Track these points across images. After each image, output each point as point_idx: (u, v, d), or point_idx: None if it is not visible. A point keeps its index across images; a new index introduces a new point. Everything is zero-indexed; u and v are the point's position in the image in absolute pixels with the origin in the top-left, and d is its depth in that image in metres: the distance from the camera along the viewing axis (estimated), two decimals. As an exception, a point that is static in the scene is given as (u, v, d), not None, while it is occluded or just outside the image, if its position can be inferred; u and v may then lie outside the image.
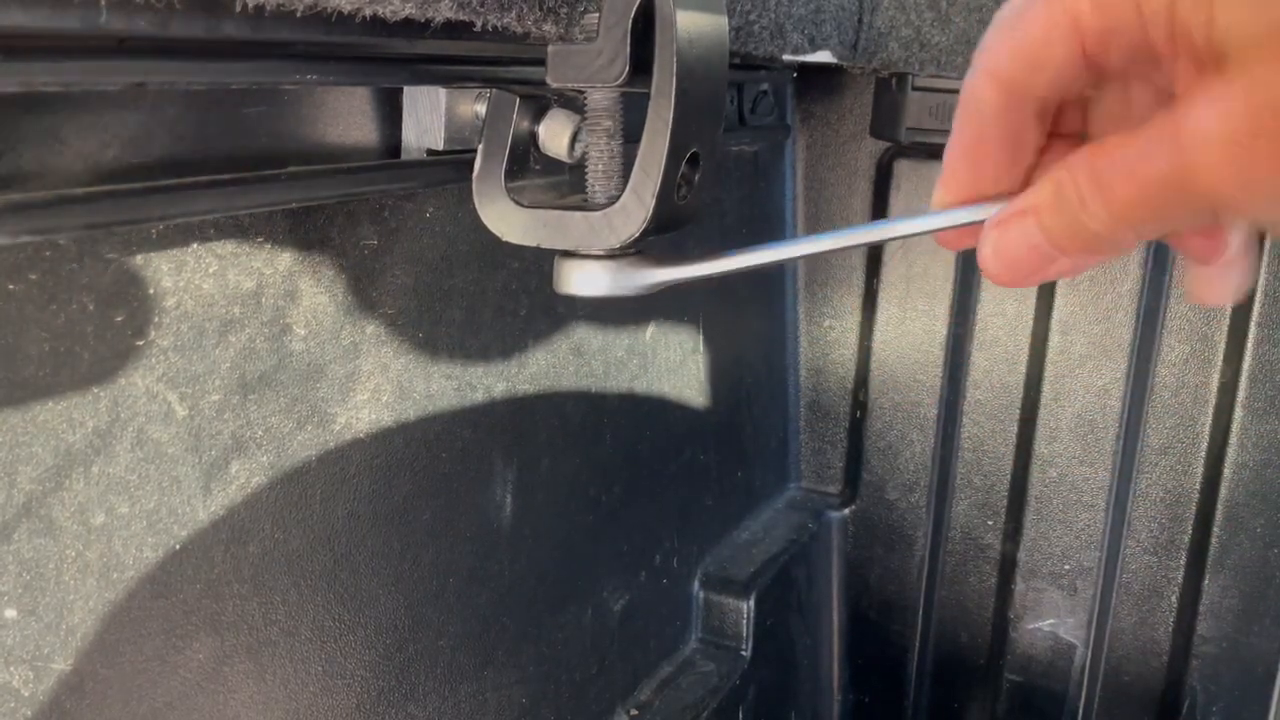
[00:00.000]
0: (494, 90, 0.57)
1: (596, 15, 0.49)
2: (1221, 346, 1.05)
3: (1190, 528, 1.09)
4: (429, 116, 0.58)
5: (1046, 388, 1.13)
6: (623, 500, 0.88)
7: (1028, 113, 0.35)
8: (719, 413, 1.05)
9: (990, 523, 1.18)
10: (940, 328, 1.16)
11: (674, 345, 0.95)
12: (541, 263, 0.72)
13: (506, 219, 0.54)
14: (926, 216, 0.39)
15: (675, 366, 0.95)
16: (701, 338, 1.00)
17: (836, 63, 0.95)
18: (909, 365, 1.18)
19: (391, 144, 0.59)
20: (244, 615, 0.54)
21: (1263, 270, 1.03)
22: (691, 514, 1.01)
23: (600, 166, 0.52)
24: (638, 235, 0.48)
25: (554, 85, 0.50)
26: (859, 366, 1.21)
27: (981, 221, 0.36)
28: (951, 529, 1.19)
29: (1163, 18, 0.30)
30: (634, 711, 0.92)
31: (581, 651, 0.85)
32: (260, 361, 0.53)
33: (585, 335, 0.80)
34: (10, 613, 0.44)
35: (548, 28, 0.51)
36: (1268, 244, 1.02)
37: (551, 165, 0.60)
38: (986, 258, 0.36)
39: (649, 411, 0.92)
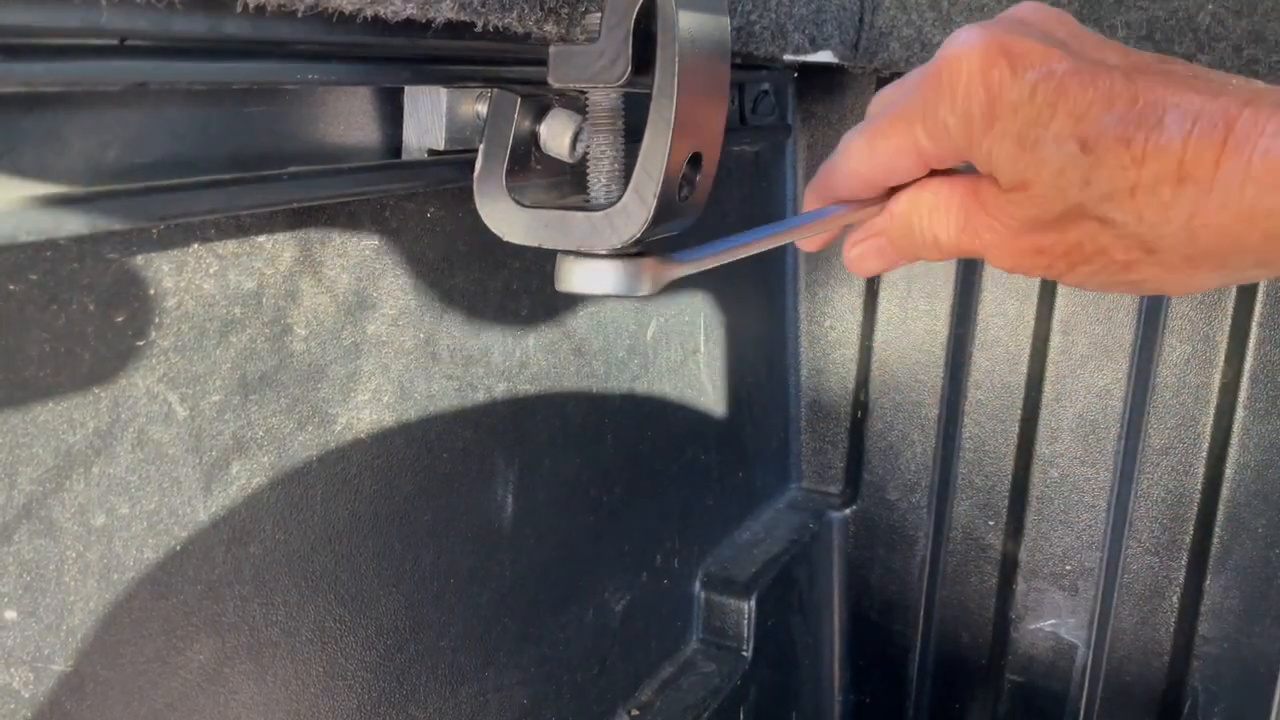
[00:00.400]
0: (495, 90, 0.56)
1: (598, 15, 0.49)
2: (1223, 347, 1.05)
3: (1192, 528, 1.09)
4: (430, 116, 0.58)
5: (1048, 388, 1.13)
6: (624, 500, 0.88)
7: (879, 193, 0.50)
8: (720, 413, 1.05)
9: (991, 523, 1.18)
10: (941, 328, 1.16)
11: (675, 345, 0.95)
12: (543, 263, 0.72)
13: (508, 219, 0.53)
14: (816, 215, 0.52)
15: (676, 367, 0.95)
16: (702, 338, 1.00)
17: (838, 62, 0.95)
18: (910, 365, 1.18)
19: (392, 144, 0.59)
20: (245, 616, 0.54)
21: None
22: (693, 514, 1.01)
23: (602, 166, 0.51)
24: (639, 235, 0.48)
25: (555, 85, 0.50)
26: (860, 366, 1.21)
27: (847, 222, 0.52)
28: (953, 529, 1.19)
29: (967, 151, 0.44)
30: (635, 712, 0.92)
31: (583, 652, 0.85)
32: (261, 362, 0.53)
33: (587, 335, 0.80)
34: (10, 614, 0.43)
35: (549, 28, 0.50)
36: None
37: (553, 165, 0.60)
38: (849, 260, 0.54)
39: (650, 412, 0.92)
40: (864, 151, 0.48)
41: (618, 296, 0.50)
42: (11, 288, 0.41)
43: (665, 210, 0.48)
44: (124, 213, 0.42)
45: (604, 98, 0.51)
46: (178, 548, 0.50)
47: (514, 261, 0.70)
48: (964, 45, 0.41)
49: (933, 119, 0.43)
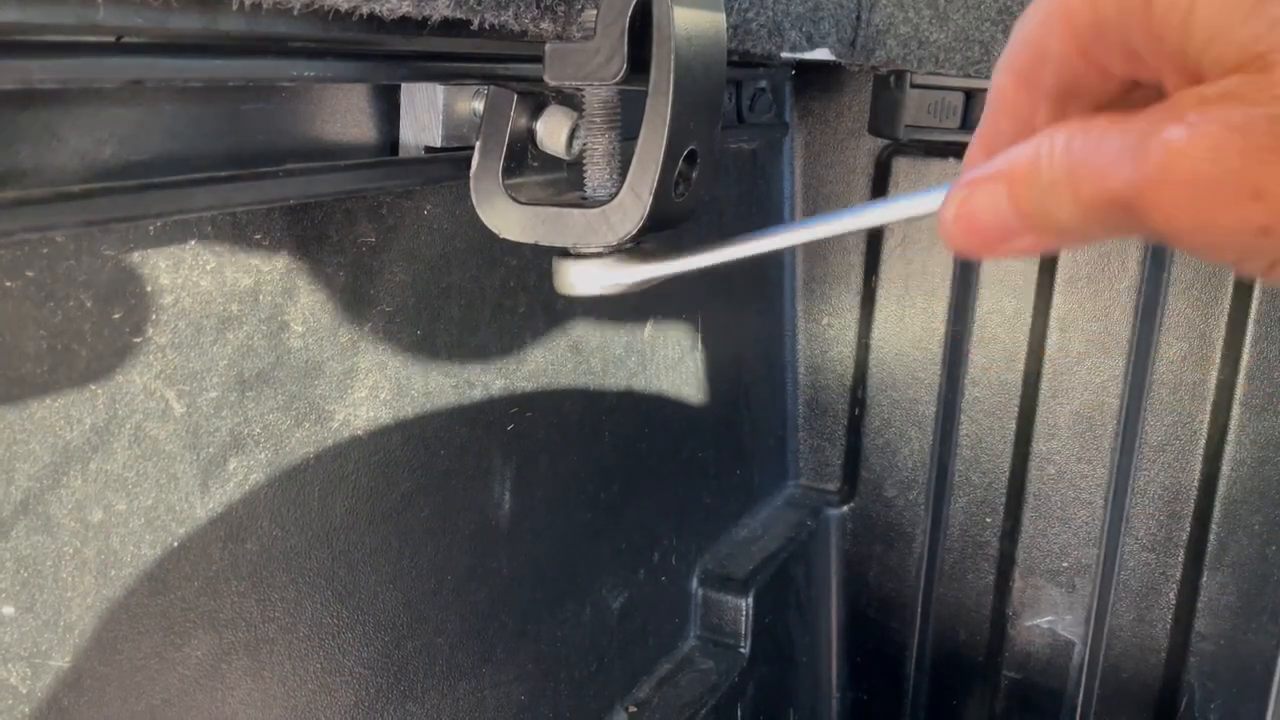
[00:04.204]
0: (491, 87, 0.57)
1: (594, 13, 0.49)
2: (1219, 343, 1.05)
3: (1188, 524, 1.10)
4: (426, 114, 0.58)
5: (1045, 385, 1.13)
6: (621, 498, 0.88)
7: (1038, 103, 0.33)
8: (717, 410, 1.05)
9: (989, 520, 1.18)
10: (939, 325, 1.16)
11: (672, 343, 0.95)
12: (539, 260, 0.72)
13: (504, 216, 0.54)
14: (914, 197, 0.38)
15: (673, 364, 0.95)
16: (700, 335, 1.00)
17: (835, 60, 0.95)
18: (907, 363, 1.18)
19: (389, 141, 0.59)
20: (242, 612, 0.54)
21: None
22: (690, 511, 1.01)
23: (598, 163, 0.52)
24: (635, 232, 0.48)
25: (552, 83, 0.50)
26: (857, 364, 1.21)
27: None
28: (950, 526, 1.20)
29: (1139, 17, 0.27)
30: (633, 709, 0.92)
31: (580, 649, 0.85)
32: (258, 359, 0.53)
33: (583, 332, 0.80)
34: (8, 610, 0.44)
35: (545, 25, 0.51)
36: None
37: (549, 162, 0.60)
38: (947, 221, 0.32)
39: (647, 409, 0.92)
40: (1016, 25, 0.32)
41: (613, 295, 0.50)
42: (8, 284, 0.42)
43: (661, 207, 0.48)
44: (120, 209, 0.42)
45: (600, 95, 0.51)
46: (175, 544, 0.50)
47: (511, 259, 0.70)
48: None
49: None
